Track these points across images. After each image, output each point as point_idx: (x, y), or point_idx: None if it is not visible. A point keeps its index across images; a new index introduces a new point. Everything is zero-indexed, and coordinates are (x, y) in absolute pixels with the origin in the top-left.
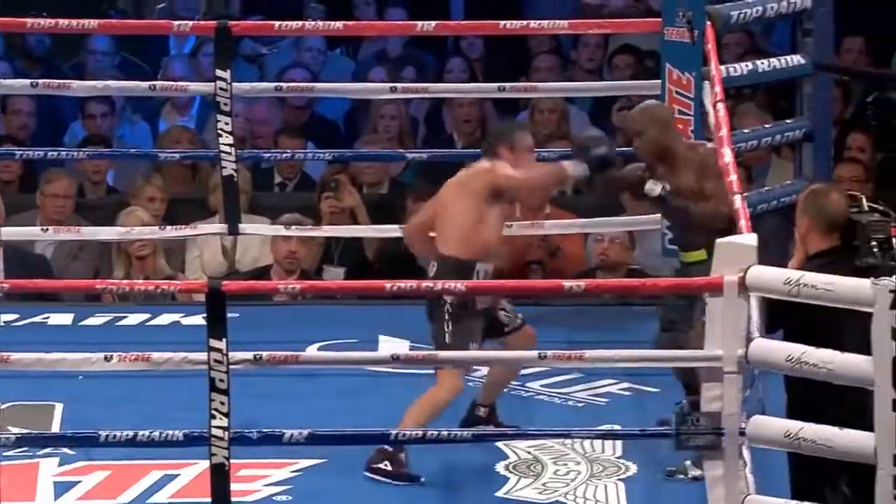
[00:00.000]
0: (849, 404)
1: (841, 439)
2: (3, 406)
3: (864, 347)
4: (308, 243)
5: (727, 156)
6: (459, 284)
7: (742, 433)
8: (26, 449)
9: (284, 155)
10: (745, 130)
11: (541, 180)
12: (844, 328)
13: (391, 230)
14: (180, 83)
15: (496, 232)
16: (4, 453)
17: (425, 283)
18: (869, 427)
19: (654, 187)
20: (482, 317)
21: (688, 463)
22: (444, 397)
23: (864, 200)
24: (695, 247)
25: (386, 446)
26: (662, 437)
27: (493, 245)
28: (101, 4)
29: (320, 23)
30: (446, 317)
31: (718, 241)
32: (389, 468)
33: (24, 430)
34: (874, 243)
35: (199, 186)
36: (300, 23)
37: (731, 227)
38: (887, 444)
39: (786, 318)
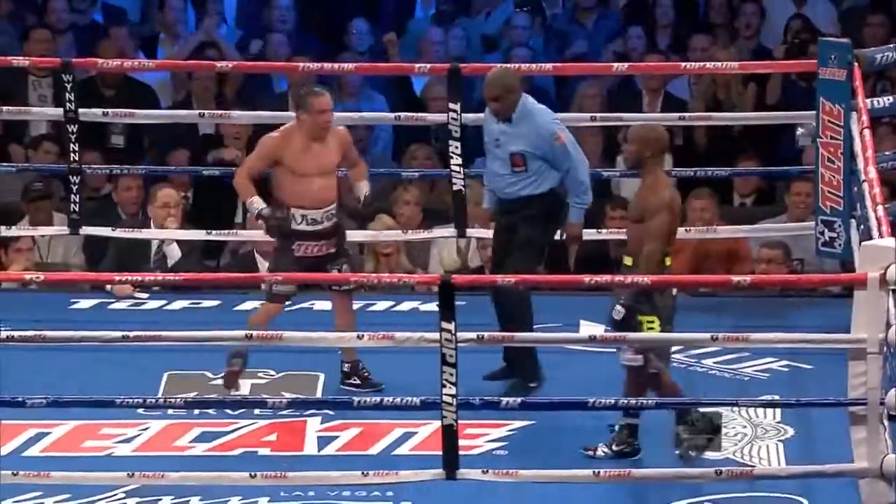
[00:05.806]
0: None
1: None
2: (279, 375)
3: None
4: None
5: (872, 172)
6: (644, 278)
7: (882, 403)
8: (296, 410)
9: None
10: (887, 153)
11: None
12: None
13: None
14: (419, 114)
15: None
16: (279, 413)
17: (617, 278)
18: None
19: None
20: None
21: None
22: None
23: None
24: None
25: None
26: (815, 406)
27: None
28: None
29: (550, 66)
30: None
31: (864, 244)
32: None
33: (295, 395)
34: None
35: (436, 197)
36: (528, 64)
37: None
38: None
39: None
